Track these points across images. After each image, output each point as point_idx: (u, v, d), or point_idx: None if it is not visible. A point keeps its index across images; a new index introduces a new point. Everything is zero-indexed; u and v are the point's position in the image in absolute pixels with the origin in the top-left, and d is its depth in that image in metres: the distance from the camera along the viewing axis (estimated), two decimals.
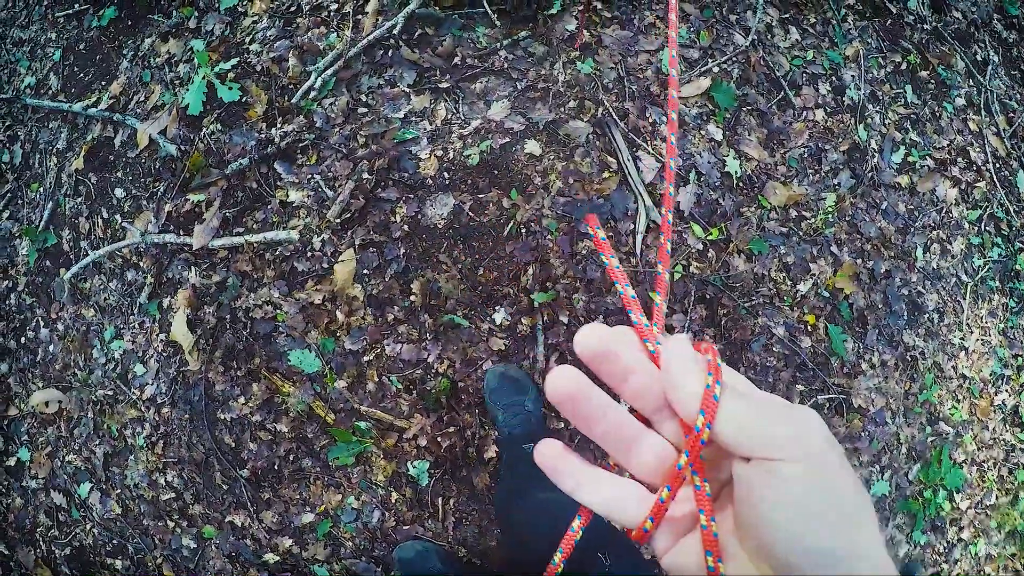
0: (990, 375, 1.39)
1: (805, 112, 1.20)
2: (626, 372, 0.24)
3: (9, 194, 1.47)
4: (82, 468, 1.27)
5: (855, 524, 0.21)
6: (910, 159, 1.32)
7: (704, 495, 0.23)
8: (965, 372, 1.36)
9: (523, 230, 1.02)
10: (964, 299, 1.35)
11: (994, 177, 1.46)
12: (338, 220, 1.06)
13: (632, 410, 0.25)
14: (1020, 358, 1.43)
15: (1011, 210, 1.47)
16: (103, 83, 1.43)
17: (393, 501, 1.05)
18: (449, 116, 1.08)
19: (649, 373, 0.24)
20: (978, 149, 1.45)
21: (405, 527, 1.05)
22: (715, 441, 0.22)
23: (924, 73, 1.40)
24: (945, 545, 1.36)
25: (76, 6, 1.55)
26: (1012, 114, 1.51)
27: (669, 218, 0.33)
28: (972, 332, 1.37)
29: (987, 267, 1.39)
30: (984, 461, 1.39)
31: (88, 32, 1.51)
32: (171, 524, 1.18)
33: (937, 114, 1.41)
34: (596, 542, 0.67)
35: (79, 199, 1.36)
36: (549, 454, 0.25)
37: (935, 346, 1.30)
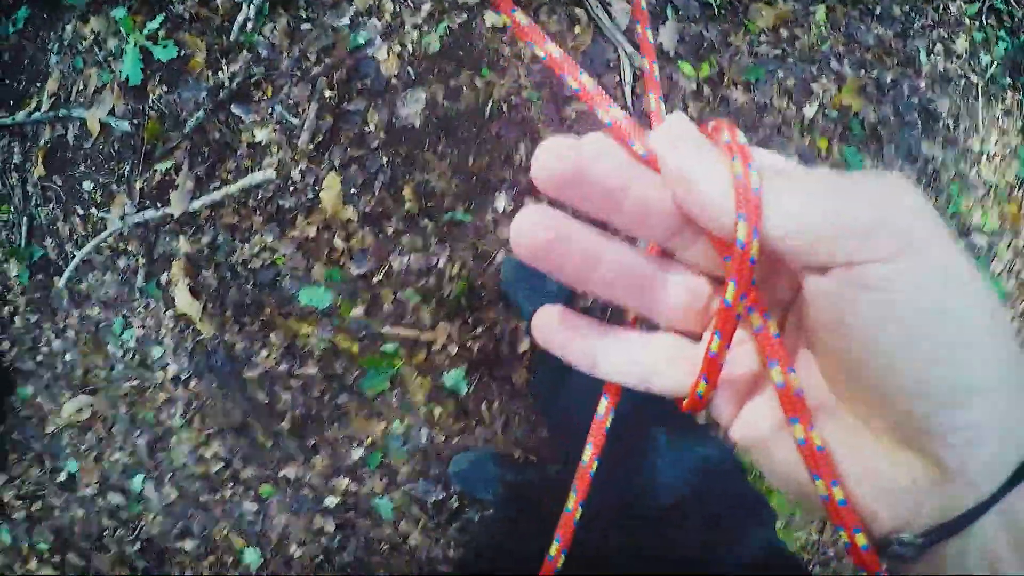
0: (1015, 178, 1.33)
1: None
2: (615, 192, 0.16)
3: None
4: (130, 463, 1.28)
5: (987, 330, 0.14)
6: None
7: (770, 336, 0.16)
8: (989, 179, 1.30)
9: (504, 106, 0.96)
10: (977, 100, 1.28)
11: None
12: (311, 146, 1.00)
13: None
14: None
15: (1011, 0, 1.36)
16: (38, 84, 1.36)
17: (437, 416, 1.04)
18: (398, 8, 1.00)
19: (648, 184, 0.16)
20: None
21: (455, 440, 1.05)
22: (767, 252, 0.15)
23: None
24: None
25: None
26: None
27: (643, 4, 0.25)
28: (991, 135, 1.30)
29: (995, 64, 1.31)
30: (1021, 270, 1.35)
31: (6, 40, 1.43)
32: (228, 493, 1.19)
33: None
34: (649, 418, 0.55)
35: (51, 205, 1.32)
36: (545, 327, 0.18)
37: (955, 154, 1.24)
